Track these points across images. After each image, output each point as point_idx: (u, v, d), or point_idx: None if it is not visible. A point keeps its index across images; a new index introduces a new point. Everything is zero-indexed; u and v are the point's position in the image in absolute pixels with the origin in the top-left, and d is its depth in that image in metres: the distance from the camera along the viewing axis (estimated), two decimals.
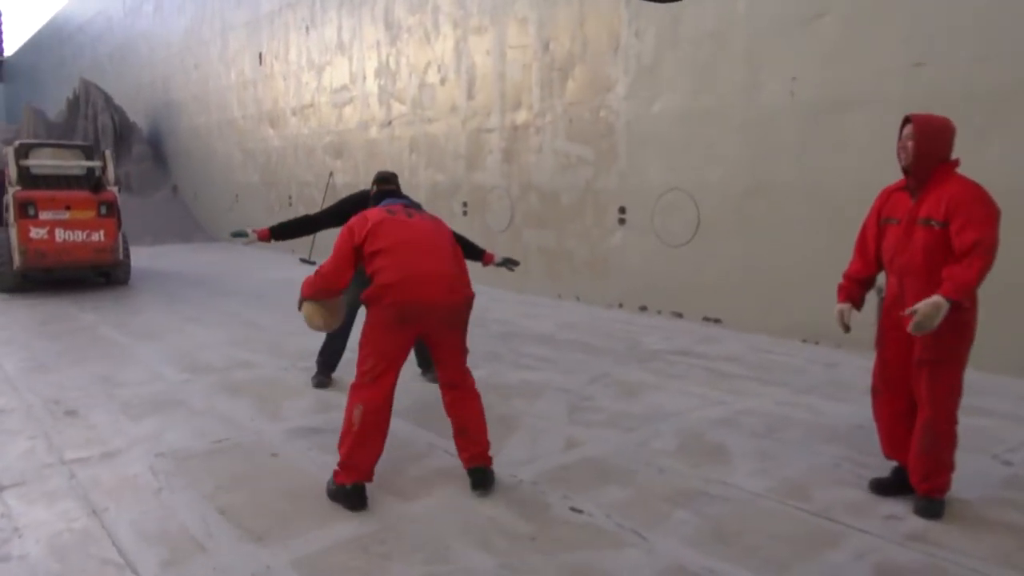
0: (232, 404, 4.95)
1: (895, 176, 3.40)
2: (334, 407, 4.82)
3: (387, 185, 4.29)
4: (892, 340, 3.31)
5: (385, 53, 11.84)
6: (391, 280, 3.31)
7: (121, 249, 10.03)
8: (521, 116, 9.47)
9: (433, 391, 5.01)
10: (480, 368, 5.78)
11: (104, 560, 2.92)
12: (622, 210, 8.33)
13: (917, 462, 3.23)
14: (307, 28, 13.85)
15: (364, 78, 12.41)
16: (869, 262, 3.42)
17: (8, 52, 41.67)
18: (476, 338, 6.81)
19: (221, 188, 17.87)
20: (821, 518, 3.24)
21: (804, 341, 6.69)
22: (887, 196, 3.37)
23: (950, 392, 3.19)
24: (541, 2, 9.03)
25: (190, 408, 4.86)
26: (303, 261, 13.24)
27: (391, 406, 3.45)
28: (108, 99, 20.77)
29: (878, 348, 3.44)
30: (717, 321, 7.46)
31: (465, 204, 10.51)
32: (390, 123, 11.87)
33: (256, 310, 8.37)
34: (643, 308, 8.19)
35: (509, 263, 5.01)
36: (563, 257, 9.13)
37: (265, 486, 3.60)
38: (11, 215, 9.34)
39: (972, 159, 4.40)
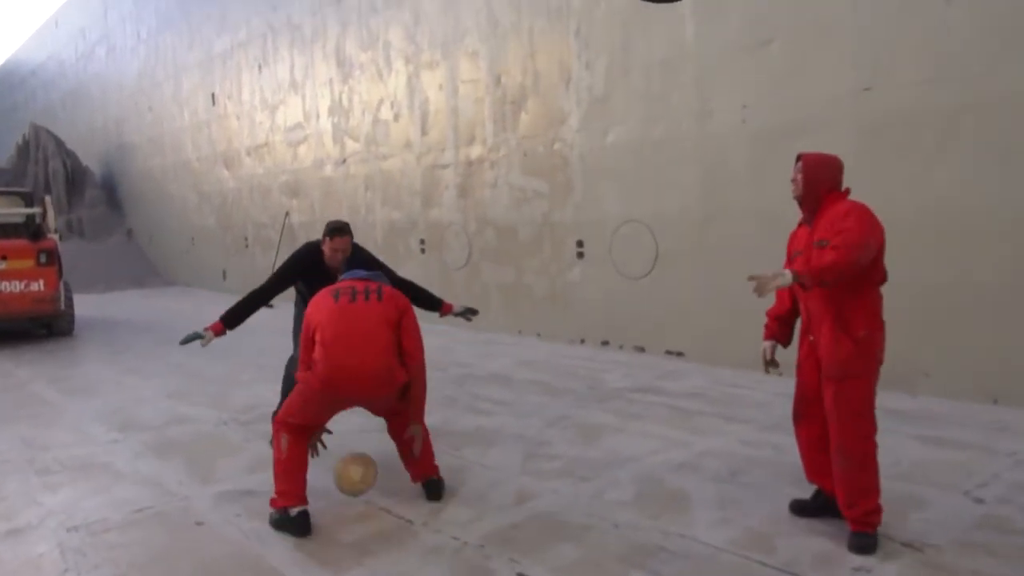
0: (161, 466, 4.60)
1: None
2: (271, 466, 4.49)
3: (339, 234, 4.37)
4: (806, 366, 3.40)
5: (338, 90, 11.66)
6: (322, 375, 3.47)
7: (63, 299, 9.60)
8: (475, 151, 9.31)
9: (381, 443, 4.73)
10: (433, 415, 5.46)
11: None
12: (580, 243, 8.16)
13: (839, 488, 3.25)
14: (259, 67, 13.65)
15: (318, 116, 12.21)
16: (783, 298, 3.58)
17: None
18: (433, 382, 6.49)
19: (177, 231, 17.46)
20: (788, 573, 3.00)
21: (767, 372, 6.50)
22: (793, 235, 3.53)
23: (857, 412, 3.18)
24: (491, 35, 8.94)
25: (114, 472, 4.50)
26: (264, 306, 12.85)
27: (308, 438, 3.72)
28: (59, 143, 20.33)
29: (796, 374, 3.48)
30: (680, 354, 7.27)
31: (423, 241, 10.28)
32: (344, 161, 11.65)
33: (203, 359, 7.92)
34: (605, 343, 7.98)
35: (468, 312, 4.84)
36: (522, 293, 8.91)
37: (183, 563, 3.26)
38: None
39: (923, 180, 4.32)
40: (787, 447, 4.49)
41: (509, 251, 9.01)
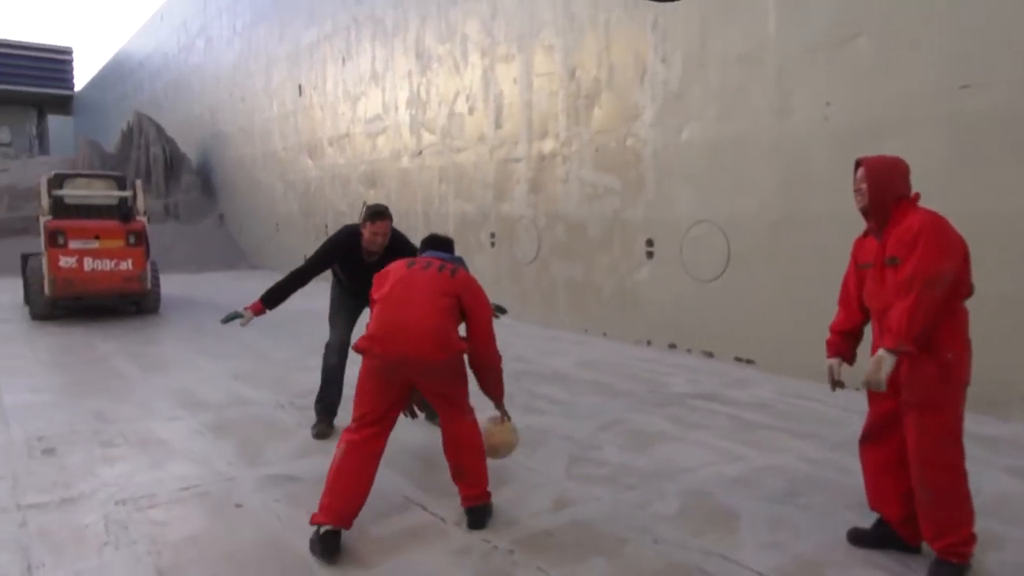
0: (214, 445, 4.70)
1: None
2: (317, 452, 4.52)
3: (380, 218, 4.41)
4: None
5: (416, 83, 11.74)
6: (373, 332, 3.30)
7: (149, 278, 10.04)
8: (548, 145, 9.17)
9: (428, 439, 4.69)
10: (486, 411, 5.43)
11: None
12: (650, 242, 7.92)
13: (923, 521, 3.00)
14: (343, 59, 13.92)
15: (396, 108, 12.34)
16: (852, 312, 3.28)
17: (78, 87, 43.63)
18: None
19: (264, 217, 18.06)
20: None
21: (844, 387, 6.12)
22: (860, 243, 3.28)
23: (942, 442, 2.92)
24: (567, 28, 8.77)
25: (170, 449, 4.62)
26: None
27: (376, 456, 3.35)
28: (160, 131, 21.35)
29: (869, 394, 3.18)
30: (750, 362, 6.94)
31: (493, 235, 10.23)
32: (420, 153, 11.73)
33: (272, 341, 8.18)
34: (672, 346, 7.73)
35: (498, 311, 4.66)
36: (590, 291, 8.73)
37: (214, 545, 3.29)
38: (42, 244, 9.45)
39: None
40: (854, 469, 4.17)
41: (578, 248, 8.85)
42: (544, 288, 9.41)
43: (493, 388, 3.61)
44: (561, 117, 8.95)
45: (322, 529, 3.15)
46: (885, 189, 3.03)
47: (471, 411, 3.53)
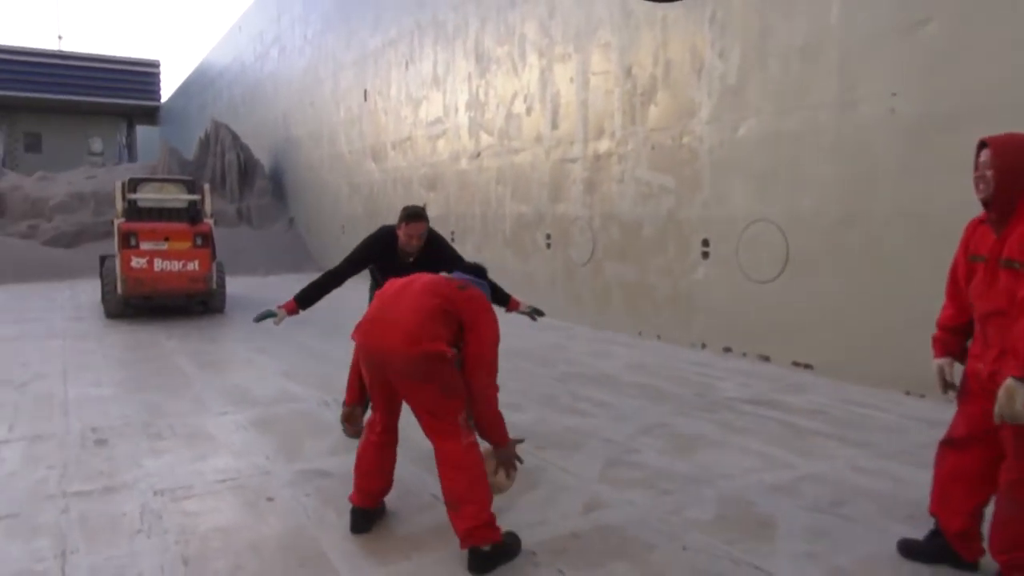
0: (256, 440, 4.78)
1: None
2: (353, 449, 4.53)
3: (416, 220, 4.27)
4: (974, 392, 2.84)
5: (475, 85, 11.78)
6: (360, 321, 3.25)
7: (215, 278, 10.37)
8: (603, 144, 9.04)
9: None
10: (528, 412, 5.39)
11: None
12: (705, 242, 7.69)
13: (995, 532, 2.78)
14: (406, 64, 14.10)
15: (456, 110, 12.41)
16: (964, 306, 2.92)
17: (164, 98, 45.73)
18: (537, 378, 6.45)
19: (330, 220, 18.47)
20: None
21: (908, 393, 5.80)
22: (974, 228, 2.89)
23: None
24: (623, 25, 8.63)
25: (214, 443, 4.73)
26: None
27: (387, 446, 3.41)
28: (235, 137, 22.11)
29: (960, 399, 2.96)
30: (808, 367, 6.64)
31: (548, 236, 10.15)
32: (479, 154, 11.76)
33: (326, 341, 8.31)
34: (727, 349, 7.47)
35: (534, 312, 4.54)
36: (644, 292, 8.55)
37: (239, 537, 3.33)
38: (115, 245, 9.89)
39: None
40: (907, 480, 3.96)
41: (633, 248, 8.68)
42: (598, 290, 9.27)
43: (486, 424, 3.16)
44: (617, 116, 8.81)
45: (352, 507, 3.39)
46: (1014, 178, 2.62)
47: (470, 433, 3.08)
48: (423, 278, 3.26)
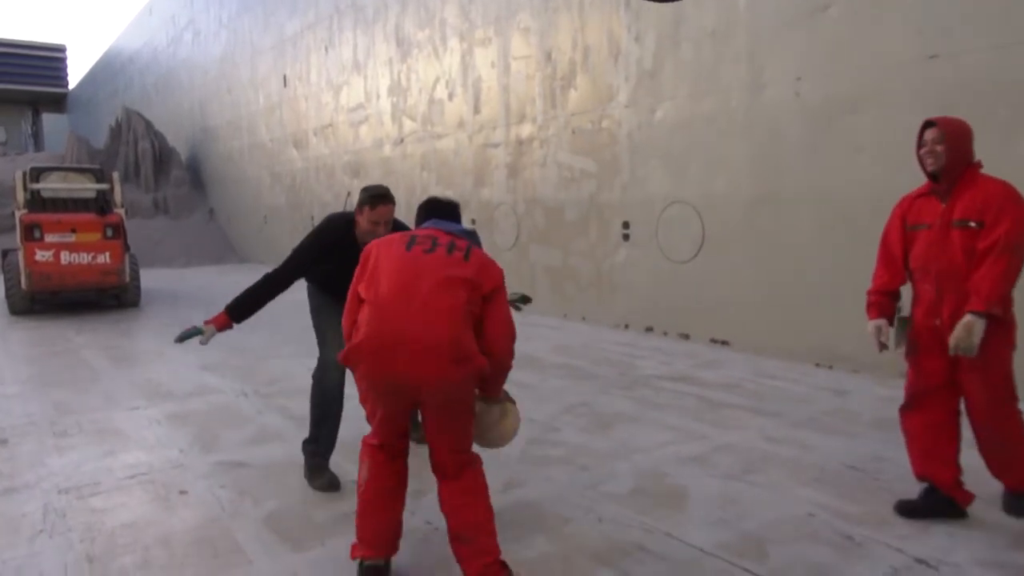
0: (170, 434, 4.63)
1: (913, 180, 3.27)
2: (272, 439, 4.46)
3: (382, 202, 3.48)
4: (929, 348, 3.11)
5: (397, 70, 11.64)
6: (362, 344, 2.52)
7: (128, 271, 9.97)
8: (526, 129, 9.07)
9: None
10: None
11: None
12: (626, 225, 7.83)
13: (991, 459, 3.13)
14: (326, 48, 13.80)
15: (378, 96, 12.24)
16: (897, 272, 3.23)
17: (72, 85, 43.51)
18: None
19: (251, 210, 17.98)
20: None
21: (817, 365, 6.06)
22: (910, 203, 3.22)
23: (1006, 397, 3.03)
24: (543, 10, 8.66)
25: (124, 438, 4.56)
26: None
27: (400, 475, 2.80)
28: (148, 125, 21.25)
29: (911, 359, 3.22)
30: (725, 343, 6.87)
31: (473, 221, 10.13)
32: (402, 140, 11.64)
33: (247, 332, 8.07)
34: (649, 329, 7.65)
35: (520, 301, 4.02)
36: (569, 275, 8.65)
37: (149, 531, 3.22)
38: (18, 238, 9.38)
39: (998, 156, 3.84)
40: (814, 445, 4.15)
41: (556, 232, 8.76)
42: (523, 274, 9.32)
43: (496, 385, 2.81)
44: (538, 100, 8.85)
45: (366, 563, 2.72)
46: (963, 151, 3.02)
47: (473, 460, 2.74)
48: (425, 265, 2.56)
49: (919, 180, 3.20)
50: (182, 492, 3.68)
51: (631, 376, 5.91)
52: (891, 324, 3.20)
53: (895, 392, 3.69)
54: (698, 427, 4.55)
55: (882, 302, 3.22)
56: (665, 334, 7.45)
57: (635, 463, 3.95)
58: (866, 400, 5.06)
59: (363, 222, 3.50)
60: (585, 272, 8.41)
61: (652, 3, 7.22)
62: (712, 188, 6.89)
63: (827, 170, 5.98)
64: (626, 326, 7.91)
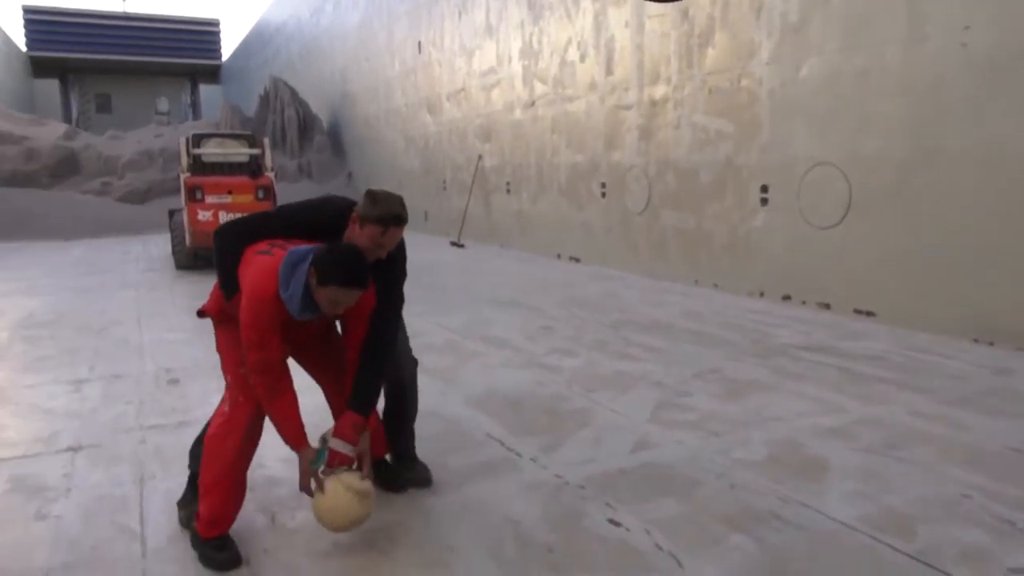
0: None
1: None
2: None
3: (396, 224, 2.75)
4: None
5: (528, 33, 11.61)
6: None
7: None
8: (659, 90, 8.84)
9: (519, 384, 4.75)
10: (579, 357, 5.43)
11: (122, 528, 2.94)
12: (764, 188, 7.50)
13: None
14: (459, 13, 13.96)
15: (510, 60, 12.28)
16: None
17: (225, 57, 46.46)
18: (589, 325, 6.48)
19: (387, 174, 18.64)
20: (921, 564, 2.57)
21: (975, 341, 5.62)
22: None
23: None
24: None
25: None
26: (453, 244, 13.44)
27: None
28: (294, 93, 22.40)
29: None
30: (870, 314, 6.48)
31: (603, 185, 10.05)
32: (533, 103, 11.65)
33: None
34: (786, 297, 7.34)
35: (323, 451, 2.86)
36: (701, 240, 8.42)
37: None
38: (183, 199, 10.24)
39: None
40: (969, 425, 3.88)
41: (689, 196, 8.53)
42: (654, 238, 9.18)
43: None
44: (673, 60, 8.58)
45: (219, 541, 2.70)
46: None
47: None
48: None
49: None
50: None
51: (766, 344, 5.72)
52: None
53: None
54: (838, 399, 4.36)
55: None
56: (803, 303, 7.12)
57: (770, 431, 3.84)
58: None
59: (364, 239, 2.75)
60: (719, 237, 8.15)
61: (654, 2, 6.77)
62: (861, 149, 6.46)
63: (997, 128, 5.46)
64: (761, 294, 7.63)
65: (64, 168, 20.01)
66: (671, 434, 3.85)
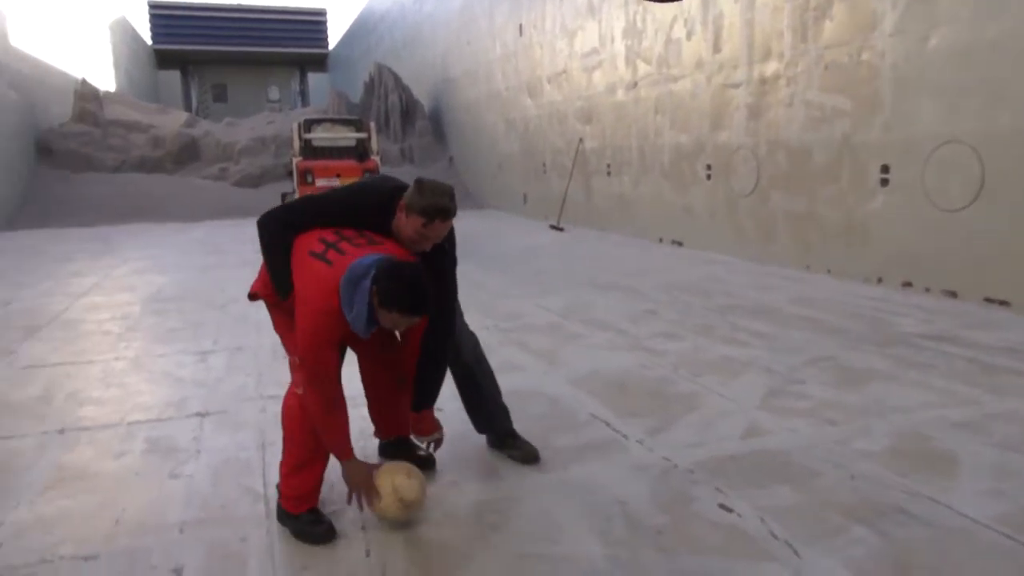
0: None
1: None
2: (514, 370, 4.71)
3: (442, 217, 2.68)
4: None
5: (632, 11, 11.38)
6: None
7: None
8: (770, 67, 8.49)
9: (624, 366, 4.71)
10: (684, 341, 5.33)
11: (247, 489, 3.11)
12: (885, 168, 7.09)
13: None
14: None
15: (612, 40, 12.09)
16: None
17: (332, 45, 47.98)
18: (695, 309, 6.34)
19: (487, 158, 18.81)
20: None
21: None
22: None
23: None
24: None
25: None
26: (553, 228, 13.43)
27: None
28: (397, 79, 22.89)
29: None
30: (1004, 303, 6.04)
31: (709, 167, 9.78)
32: (636, 84, 11.44)
33: (484, 272, 8.58)
34: (907, 284, 6.93)
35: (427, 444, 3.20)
36: (814, 223, 8.07)
37: None
38: (294, 182, 10.68)
39: None
40: None
41: (801, 177, 8.17)
42: (762, 222, 8.86)
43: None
44: (786, 34, 8.21)
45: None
46: None
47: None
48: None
49: None
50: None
51: (885, 332, 5.43)
52: None
53: None
54: (968, 391, 4.08)
55: None
56: (927, 290, 6.71)
57: (892, 423, 3.65)
58: None
59: (410, 230, 2.71)
60: (833, 220, 7.78)
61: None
62: (996, 125, 6.00)
63: None
64: (879, 280, 7.24)
65: (186, 154, 21.25)
66: (784, 421, 3.72)
